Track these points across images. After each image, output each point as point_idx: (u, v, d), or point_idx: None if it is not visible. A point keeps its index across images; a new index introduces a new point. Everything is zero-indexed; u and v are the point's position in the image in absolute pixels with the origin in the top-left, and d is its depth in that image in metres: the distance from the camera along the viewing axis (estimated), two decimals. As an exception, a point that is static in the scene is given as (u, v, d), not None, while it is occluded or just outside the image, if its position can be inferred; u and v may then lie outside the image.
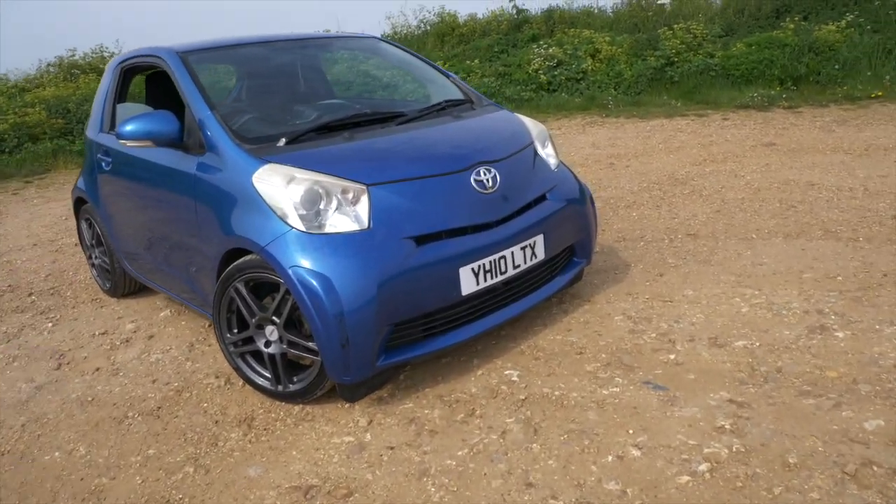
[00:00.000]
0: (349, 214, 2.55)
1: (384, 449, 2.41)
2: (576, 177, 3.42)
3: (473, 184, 2.78)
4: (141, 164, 3.35)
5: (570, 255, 3.31)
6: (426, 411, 2.60)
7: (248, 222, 2.64)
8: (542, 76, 10.88)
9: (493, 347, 3.05)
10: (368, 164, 2.73)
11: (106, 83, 3.95)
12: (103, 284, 4.36)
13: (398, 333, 2.58)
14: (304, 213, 2.52)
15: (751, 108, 8.86)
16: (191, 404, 2.90)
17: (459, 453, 2.33)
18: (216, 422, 2.74)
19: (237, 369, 2.85)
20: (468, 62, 12.05)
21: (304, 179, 2.57)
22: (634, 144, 7.44)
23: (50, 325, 3.98)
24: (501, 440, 2.37)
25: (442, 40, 14.11)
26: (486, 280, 2.73)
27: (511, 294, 2.93)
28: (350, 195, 2.58)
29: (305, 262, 2.44)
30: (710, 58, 10.33)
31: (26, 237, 6.18)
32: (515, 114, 3.58)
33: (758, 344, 2.80)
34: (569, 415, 2.46)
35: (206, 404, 2.89)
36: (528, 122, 3.46)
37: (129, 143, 2.90)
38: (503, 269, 2.80)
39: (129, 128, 2.87)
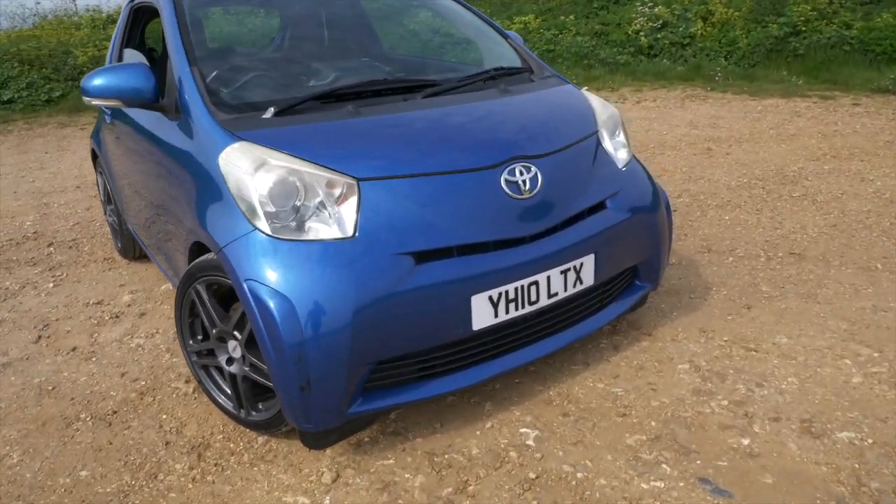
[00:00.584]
0: (331, 216, 1.96)
1: (342, 525, 1.87)
2: (650, 177, 2.68)
3: (504, 185, 2.12)
4: (129, 121, 2.88)
5: (632, 277, 2.61)
6: (407, 475, 2.03)
7: (210, 214, 2.10)
8: (642, 38, 9.77)
9: (514, 388, 2.43)
10: (366, 150, 2.12)
11: (119, 24, 3.49)
12: (116, 243, 4.01)
13: (383, 373, 2.01)
14: (273, 210, 1.95)
15: (890, 94, 7.52)
16: (149, 413, 2.46)
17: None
18: (167, 443, 2.29)
19: (199, 382, 2.37)
20: (562, 18, 11.03)
21: (277, 166, 1.99)
22: (740, 127, 6.42)
23: (51, 285, 3.67)
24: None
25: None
26: (507, 312, 2.10)
27: (544, 327, 2.28)
28: (336, 191, 1.99)
29: (264, 276, 1.88)
30: (847, 29, 8.90)
31: (74, 178, 5.99)
32: (582, 90, 2.85)
33: (870, 441, 2.04)
34: (590, 512, 1.83)
35: (165, 416, 2.44)
36: (595, 102, 2.74)
37: (94, 102, 2.39)
38: (533, 298, 2.15)
39: (94, 82, 2.35)
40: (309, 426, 1.95)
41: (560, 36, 10.42)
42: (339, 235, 1.93)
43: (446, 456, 2.10)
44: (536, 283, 2.14)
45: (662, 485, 1.91)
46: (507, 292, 2.08)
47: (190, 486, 2.07)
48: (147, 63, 2.42)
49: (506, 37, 3.14)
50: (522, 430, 2.19)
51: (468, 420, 2.26)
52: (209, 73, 2.41)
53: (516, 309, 2.12)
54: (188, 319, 2.31)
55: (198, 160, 2.19)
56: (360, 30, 3.46)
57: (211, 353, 2.26)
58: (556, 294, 2.20)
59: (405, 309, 1.93)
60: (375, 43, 3.45)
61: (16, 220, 4.85)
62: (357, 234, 1.94)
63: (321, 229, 1.94)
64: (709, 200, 4.39)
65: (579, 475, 1.97)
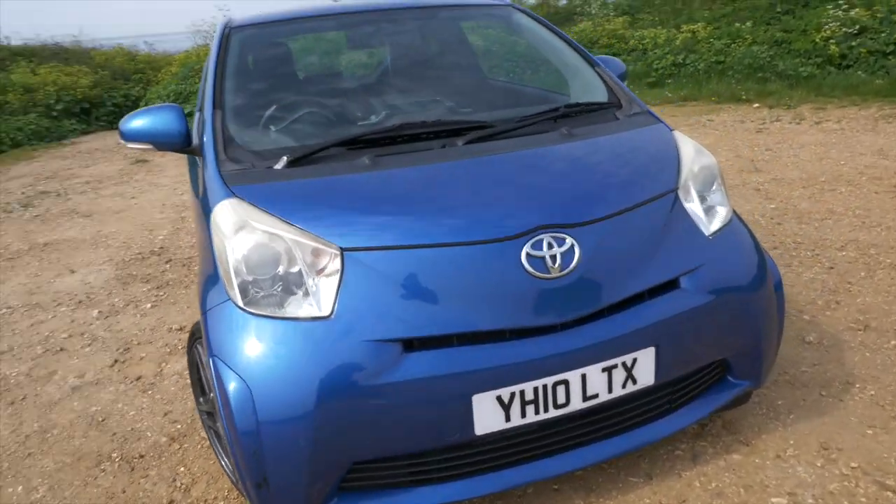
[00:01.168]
0: (309, 291, 1.69)
1: None
2: (755, 245, 2.09)
3: (525, 261, 1.71)
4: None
5: (722, 371, 2.04)
6: None
7: (204, 273, 1.93)
8: (832, 46, 8.44)
9: (549, 495, 1.99)
10: (362, 212, 1.81)
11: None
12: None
13: (363, 474, 1.70)
14: (249, 279, 1.72)
15: None
16: (169, 464, 2.36)
17: None
18: (170, 502, 2.16)
19: (210, 441, 2.22)
20: (737, 25, 9.90)
21: (258, 230, 1.76)
22: (946, 157, 5.21)
23: (149, 305, 3.81)
24: None
25: (716, -5, 11.90)
26: (524, 416, 1.69)
27: (583, 433, 1.83)
28: (320, 261, 1.72)
29: (227, 354, 1.66)
30: None
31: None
32: (679, 135, 2.30)
33: None
34: None
35: (182, 469, 2.33)
36: (687, 148, 2.18)
37: (130, 146, 2.33)
38: (561, 400, 1.71)
39: (130, 125, 2.29)
40: (274, 528, 1.70)
41: (732, 46, 9.34)
42: (315, 314, 1.65)
43: (436, 582, 1.73)
44: (567, 382, 1.70)
45: None
46: (523, 392, 1.67)
47: (169, 562, 1.91)
48: (178, 107, 2.31)
49: (594, 64, 2.67)
50: (538, 562, 1.76)
51: (480, 532, 1.88)
52: (234, 116, 2.25)
53: (536, 413, 1.70)
54: (196, 377, 2.17)
55: (204, 213, 2.04)
56: (430, 53, 3.13)
57: (212, 415, 2.10)
58: (595, 396, 1.74)
59: (387, 405, 1.61)
60: (448, 76, 3.06)
61: (152, 234, 5.19)
62: (334, 313, 1.64)
63: (297, 305, 1.68)
64: (881, 257, 3.51)
65: None
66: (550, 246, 1.72)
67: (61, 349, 3.35)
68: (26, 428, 2.68)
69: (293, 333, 1.64)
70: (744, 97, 8.10)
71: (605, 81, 2.57)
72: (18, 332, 3.59)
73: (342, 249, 1.70)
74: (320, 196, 1.88)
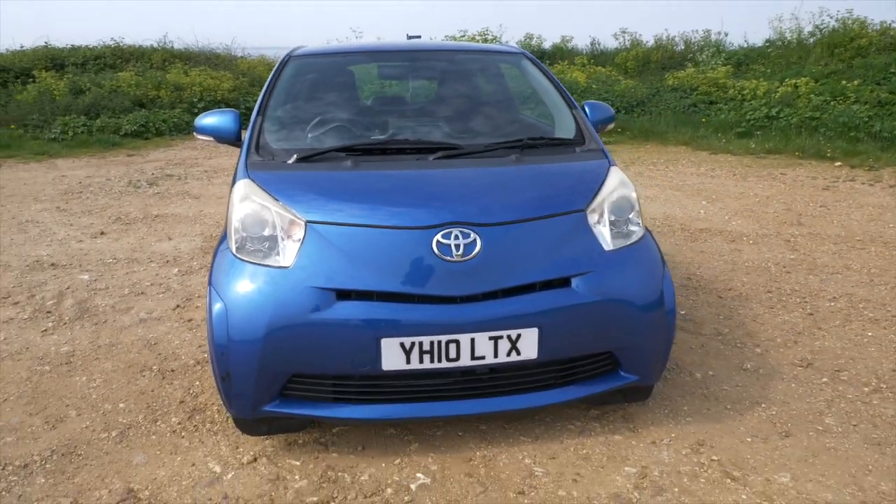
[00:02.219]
0: (280, 248, 2.30)
1: (220, 496, 2.18)
2: (655, 266, 2.46)
3: (435, 247, 2.22)
4: None
5: (614, 364, 2.43)
6: (297, 477, 2.26)
7: (224, 229, 2.60)
8: (935, 114, 8.15)
9: (451, 438, 2.47)
10: (328, 198, 2.40)
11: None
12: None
13: (299, 384, 2.27)
14: (244, 234, 2.36)
15: None
16: (190, 378, 3.05)
17: (257, 545, 1.97)
18: (181, 402, 2.84)
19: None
20: (844, 82, 9.70)
21: (254, 201, 2.40)
22: None
23: (218, 268, 4.60)
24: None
25: (831, 52, 11.64)
26: (420, 361, 2.19)
27: (475, 388, 2.31)
28: (290, 227, 2.32)
29: (218, 283, 2.30)
30: None
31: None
32: (614, 169, 2.68)
33: None
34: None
35: (198, 382, 3.01)
36: (612, 182, 2.59)
37: (199, 137, 3.08)
38: (452, 355, 2.20)
39: (201, 122, 3.05)
40: (231, 411, 2.32)
41: (832, 103, 9.19)
42: (280, 264, 2.26)
43: (339, 473, 2.28)
44: (458, 342, 2.19)
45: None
46: (421, 343, 2.17)
47: (165, 438, 2.57)
48: (237, 112, 3.04)
49: (573, 107, 3.11)
50: (419, 474, 2.25)
51: (386, 452, 2.39)
52: (271, 122, 2.94)
53: (431, 362, 2.19)
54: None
55: (231, 188, 2.71)
56: (437, 91, 3.64)
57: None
58: (482, 357, 2.21)
59: (319, 335, 2.17)
60: (451, 106, 3.41)
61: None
62: (293, 265, 2.24)
63: (270, 258, 2.29)
64: (868, 311, 3.65)
65: (425, 530, 1.99)
66: (457, 237, 2.23)
67: (142, 293, 4.19)
68: (100, 341, 3.48)
69: (263, 276, 2.25)
70: (828, 155, 8.01)
71: (577, 122, 3.03)
72: (116, 277, 4.49)
73: (306, 222, 2.31)
74: (305, 184, 2.50)
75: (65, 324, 3.71)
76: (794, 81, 10.12)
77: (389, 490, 2.19)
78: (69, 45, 15.42)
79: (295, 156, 2.65)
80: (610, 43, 16.88)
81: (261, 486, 2.23)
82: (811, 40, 13.12)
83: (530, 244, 2.31)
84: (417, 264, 2.21)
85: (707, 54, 13.87)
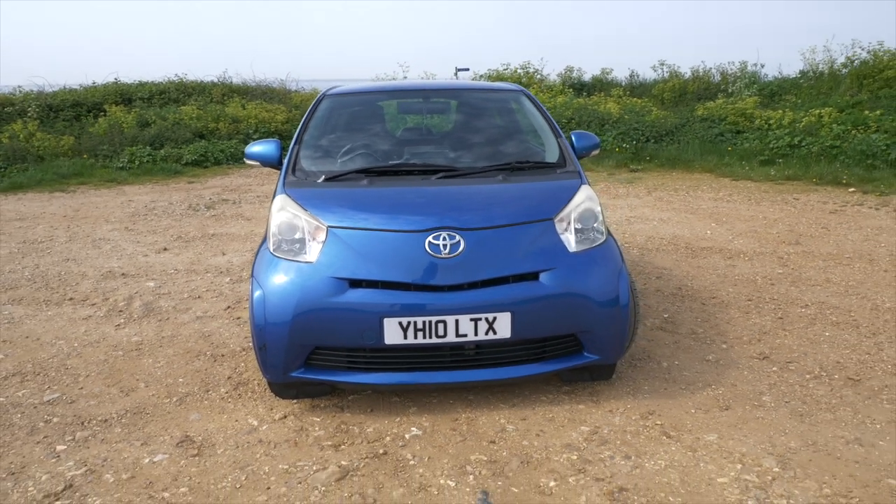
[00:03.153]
0: (307, 247, 2.91)
1: (257, 441, 2.77)
2: (614, 266, 2.97)
3: (427, 247, 2.80)
4: None
5: (578, 345, 2.95)
6: (317, 428, 2.84)
7: (264, 234, 3.24)
8: (951, 141, 8.35)
9: (443, 404, 3.02)
10: (345, 209, 3.01)
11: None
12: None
13: (320, 355, 2.86)
14: (280, 237, 2.99)
15: None
16: (236, 361, 3.68)
17: (282, 466, 2.55)
18: (228, 378, 3.46)
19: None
20: (866, 112, 9.95)
21: (287, 212, 3.03)
22: None
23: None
24: (325, 477, 2.49)
25: (860, 83, 11.87)
26: (415, 337, 2.75)
27: (461, 361, 2.85)
28: (316, 231, 2.94)
29: (259, 275, 2.93)
30: None
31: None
32: (584, 187, 3.22)
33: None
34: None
35: (243, 364, 3.64)
36: (579, 198, 3.13)
37: (248, 161, 3.77)
38: (441, 333, 2.75)
39: (249, 149, 3.74)
40: (266, 376, 2.92)
41: (852, 132, 9.46)
42: (307, 260, 2.87)
43: (350, 426, 2.84)
44: (444, 322, 2.74)
45: (454, 484, 2.37)
46: (415, 322, 2.74)
47: (215, 403, 3.19)
48: (279, 141, 3.73)
49: (559, 136, 3.66)
50: (413, 428, 2.81)
51: (390, 413, 2.95)
52: (306, 149, 3.59)
53: (424, 338, 2.75)
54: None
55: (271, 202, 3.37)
56: (447, 123, 4.27)
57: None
58: (465, 335, 2.76)
59: (335, 314, 2.77)
60: (456, 135, 4.03)
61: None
62: (316, 260, 2.85)
63: (300, 255, 2.91)
64: (834, 316, 4.05)
65: (412, 462, 2.54)
66: (445, 239, 2.81)
67: (198, 297, 4.89)
68: (163, 333, 4.16)
69: (293, 269, 2.87)
70: (844, 181, 8.30)
71: (561, 149, 3.59)
72: (176, 284, 5.21)
73: (328, 227, 2.92)
74: (329, 198, 3.12)
75: (134, 320, 4.41)
76: (818, 111, 10.41)
77: (388, 438, 2.74)
78: (137, 81, 16.78)
79: (323, 176, 3.29)
80: (649, 74, 17.37)
81: (288, 434, 2.82)
82: (843, 71, 13.34)
83: (506, 245, 2.87)
84: (413, 260, 2.79)
85: (739, 85, 14.20)
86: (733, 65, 15.81)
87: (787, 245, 5.77)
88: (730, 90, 14.46)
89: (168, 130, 12.64)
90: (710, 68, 16.10)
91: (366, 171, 3.34)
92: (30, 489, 2.48)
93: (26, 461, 2.68)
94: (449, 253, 2.79)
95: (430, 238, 2.82)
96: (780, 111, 11.04)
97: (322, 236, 2.91)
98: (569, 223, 3.01)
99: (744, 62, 15.62)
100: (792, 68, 17.91)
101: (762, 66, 15.64)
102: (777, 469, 2.45)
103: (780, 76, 15.41)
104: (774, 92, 14.03)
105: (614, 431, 2.74)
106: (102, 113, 14.09)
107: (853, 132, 9.52)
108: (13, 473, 2.59)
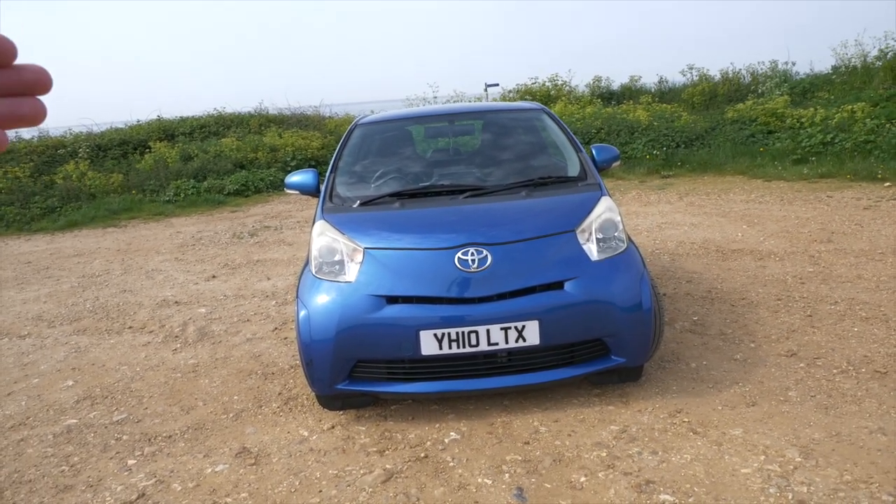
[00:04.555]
0: (346, 268, 3.14)
1: (308, 449, 2.99)
2: (636, 274, 3.12)
3: (457, 262, 3.00)
4: None
5: (605, 349, 3.10)
6: (362, 436, 3.05)
7: (306, 257, 3.48)
8: None
9: (478, 411, 3.19)
10: (380, 231, 3.24)
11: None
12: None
13: (363, 368, 3.08)
14: (321, 260, 3.22)
15: None
16: (285, 378, 3.93)
17: (332, 471, 2.76)
18: (279, 393, 3.70)
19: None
20: (899, 105, 9.82)
21: (326, 236, 3.27)
22: None
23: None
24: (371, 479, 2.69)
25: (894, 75, 11.69)
26: (449, 347, 2.95)
27: (494, 368, 3.03)
28: (353, 253, 3.17)
29: (304, 296, 3.17)
30: None
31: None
32: (604, 198, 3.38)
33: (676, 506, 2.29)
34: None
35: (291, 381, 3.88)
36: (599, 209, 3.29)
37: (288, 191, 4.04)
38: (473, 342, 2.94)
39: (289, 179, 4.01)
40: (314, 389, 3.15)
41: (887, 126, 9.35)
42: (347, 280, 3.10)
43: (393, 433, 3.04)
44: (476, 332, 2.93)
45: (490, 482, 2.54)
46: (449, 333, 2.94)
47: (268, 417, 3.43)
48: (315, 170, 3.99)
49: (579, 150, 3.84)
50: (452, 433, 2.99)
51: (430, 419, 3.15)
52: (341, 176, 3.84)
53: (458, 348, 2.94)
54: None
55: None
56: (472, 144, 4.47)
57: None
58: (496, 344, 2.94)
59: (375, 329, 2.99)
60: (482, 154, 4.23)
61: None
62: (355, 280, 3.08)
63: (340, 275, 3.14)
64: (863, 312, 4.10)
65: (451, 464, 2.72)
66: (473, 254, 3.01)
67: (247, 320, 5.18)
68: (217, 355, 4.45)
69: (334, 289, 3.10)
70: (879, 176, 8.22)
71: (581, 163, 3.76)
72: (226, 309, 5.51)
73: (365, 248, 3.15)
74: (364, 221, 3.36)
75: (189, 344, 4.71)
76: (850, 107, 10.31)
77: (429, 443, 2.94)
78: (178, 117, 17.50)
79: (358, 201, 3.53)
80: (678, 79, 17.33)
81: (336, 442, 3.04)
82: (877, 65, 13.14)
83: (531, 257, 3.05)
84: (444, 275, 3.00)
85: (770, 85, 14.10)
86: (763, 64, 15.71)
87: (818, 243, 5.79)
88: (760, 90, 14.36)
89: (210, 163, 13.17)
90: (740, 69, 16.02)
91: (398, 195, 3.57)
92: (107, 499, 2.75)
93: (102, 475, 2.95)
94: (477, 267, 2.99)
95: (459, 254, 3.02)
96: (812, 109, 10.96)
97: (359, 257, 3.14)
98: (590, 233, 3.18)
99: (774, 61, 15.50)
100: (825, 64, 17.64)
101: (793, 64, 15.50)
102: (799, 459, 2.56)
103: (811, 73, 15.24)
104: (806, 90, 13.88)
105: (642, 429, 2.88)
106: (147, 149, 14.74)
107: (888, 126, 9.41)
108: (91, 486, 2.86)
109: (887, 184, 7.96)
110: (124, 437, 3.30)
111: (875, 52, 13.38)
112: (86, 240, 9.19)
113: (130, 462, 3.05)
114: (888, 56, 12.68)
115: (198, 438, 3.26)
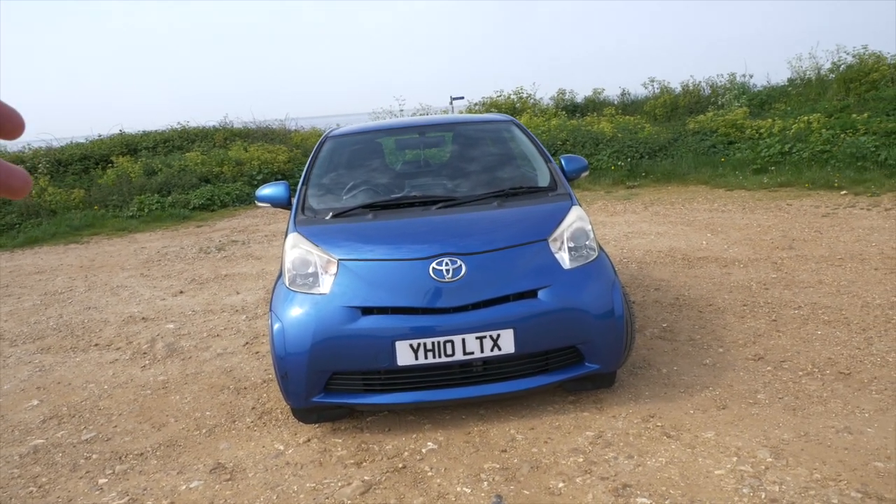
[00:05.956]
0: (320, 280, 3.13)
1: (284, 463, 2.96)
2: (607, 281, 3.17)
3: (431, 272, 3.02)
4: None
5: (579, 356, 3.14)
6: (339, 448, 3.03)
7: (279, 269, 3.46)
8: (936, 139, 8.57)
9: (455, 420, 3.20)
10: (354, 242, 3.24)
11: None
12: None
13: (338, 380, 3.06)
14: (294, 272, 3.21)
15: None
16: (258, 393, 3.89)
17: (310, 485, 2.74)
18: (252, 408, 3.66)
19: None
20: (854, 115, 10.19)
21: (299, 248, 3.26)
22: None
23: (277, 313, 5.49)
24: (350, 491, 2.67)
25: (847, 87, 12.14)
26: (425, 357, 2.95)
27: (469, 377, 3.05)
28: (327, 265, 3.16)
29: (277, 308, 3.15)
30: None
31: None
32: (574, 208, 3.44)
33: (653, 508, 2.33)
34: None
35: (265, 395, 3.84)
36: (570, 218, 3.35)
37: (259, 204, 4.02)
38: (449, 352, 2.95)
39: (260, 192, 3.99)
40: (289, 402, 3.13)
41: (842, 136, 9.69)
42: (321, 292, 3.09)
43: (370, 445, 3.03)
44: (452, 341, 2.95)
45: (469, 490, 2.55)
46: (424, 344, 2.94)
47: (242, 432, 3.39)
48: (287, 183, 3.97)
49: (549, 161, 3.90)
50: (429, 443, 2.99)
51: (407, 430, 3.14)
52: (313, 188, 3.83)
53: (434, 357, 2.95)
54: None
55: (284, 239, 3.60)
56: (443, 155, 4.52)
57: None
58: (472, 353, 2.96)
59: (350, 341, 2.98)
60: (453, 166, 4.28)
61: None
62: (329, 292, 3.07)
63: (313, 287, 3.13)
64: (826, 315, 4.23)
65: (430, 474, 2.72)
66: (447, 265, 3.02)
67: (217, 335, 5.10)
68: (187, 371, 4.37)
69: (308, 301, 3.08)
70: (836, 184, 8.51)
71: (551, 173, 3.82)
72: (195, 325, 5.43)
73: (339, 260, 3.14)
74: (337, 233, 3.35)
75: (158, 361, 4.62)
76: (806, 118, 10.66)
77: (406, 453, 2.93)
78: (141, 132, 17.21)
79: (331, 213, 3.53)
80: (640, 91, 17.69)
81: (312, 455, 3.01)
82: (830, 77, 13.63)
83: (504, 267, 3.09)
84: (419, 285, 3.01)
85: (729, 97, 14.50)
86: (722, 77, 16.15)
87: (780, 250, 5.96)
88: (720, 102, 14.76)
89: (174, 177, 12.98)
90: (700, 82, 16.44)
91: (370, 206, 3.57)
92: (78, 520, 2.68)
93: (72, 495, 2.88)
94: (452, 277, 3.00)
95: (433, 264, 3.03)
96: (770, 120, 11.30)
97: (333, 269, 3.13)
98: (562, 242, 3.23)
99: (732, 74, 15.95)
100: (780, 76, 18.20)
101: (751, 77, 15.97)
102: (770, 459, 2.62)
103: (768, 85, 15.72)
104: (764, 101, 14.31)
105: (617, 434, 2.92)
106: (110, 164, 14.46)
107: (842, 136, 9.75)
108: (61, 507, 2.79)
109: (843, 192, 8.23)
110: (94, 456, 3.22)
111: (828, 66, 13.88)
112: (47, 256, 8.96)
113: (101, 481, 2.98)
114: (840, 69, 13.16)
115: (170, 455, 3.20)
